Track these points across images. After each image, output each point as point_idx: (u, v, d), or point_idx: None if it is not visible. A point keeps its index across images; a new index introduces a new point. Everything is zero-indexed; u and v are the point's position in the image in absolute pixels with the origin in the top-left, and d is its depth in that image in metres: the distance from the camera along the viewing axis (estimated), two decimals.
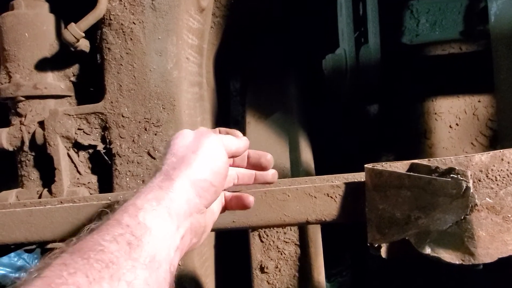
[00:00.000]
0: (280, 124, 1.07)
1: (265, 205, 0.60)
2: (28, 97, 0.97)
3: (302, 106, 1.13)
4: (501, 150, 0.55)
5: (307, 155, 1.01)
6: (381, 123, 1.56)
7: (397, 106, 1.60)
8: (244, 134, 1.13)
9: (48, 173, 0.98)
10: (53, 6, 1.05)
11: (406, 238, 0.52)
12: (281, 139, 1.05)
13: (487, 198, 0.47)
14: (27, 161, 0.99)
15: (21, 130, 0.98)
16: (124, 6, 0.93)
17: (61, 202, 0.67)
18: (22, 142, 0.98)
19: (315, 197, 0.59)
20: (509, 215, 0.47)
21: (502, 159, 0.54)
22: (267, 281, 0.94)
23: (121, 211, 0.44)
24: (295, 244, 0.94)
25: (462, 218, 0.47)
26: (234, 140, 0.57)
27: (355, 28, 1.03)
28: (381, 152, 1.61)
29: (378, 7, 1.18)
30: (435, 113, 1.66)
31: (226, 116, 1.58)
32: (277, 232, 0.95)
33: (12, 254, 2.22)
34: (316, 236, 0.92)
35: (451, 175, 0.49)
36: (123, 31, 0.93)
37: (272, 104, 1.13)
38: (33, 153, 0.98)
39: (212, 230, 0.59)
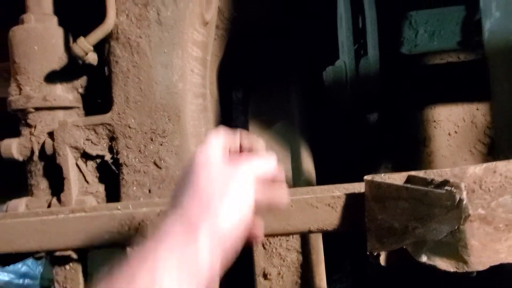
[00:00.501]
0: (282, 134, 1.10)
1: (269, 215, 0.62)
2: (37, 109, 1.00)
3: (303, 114, 1.16)
4: (494, 163, 0.57)
5: (308, 164, 1.04)
6: (381, 131, 1.59)
7: (396, 114, 1.62)
8: None
9: (57, 182, 1.01)
10: (61, 19, 1.08)
11: (404, 247, 0.55)
12: (283, 149, 1.07)
13: (479, 209, 0.50)
14: (36, 171, 1.02)
15: (31, 141, 1.01)
16: (131, 20, 0.96)
17: (72, 212, 0.70)
18: (32, 152, 1.01)
19: (317, 207, 0.61)
20: (500, 225, 0.50)
21: (495, 171, 0.57)
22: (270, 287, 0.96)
23: (138, 260, 0.40)
24: (297, 251, 0.96)
25: (456, 228, 0.50)
26: (264, 165, 0.52)
27: (355, 40, 1.06)
28: (381, 159, 1.63)
29: (377, 19, 1.22)
30: (434, 121, 1.68)
31: (229, 125, 1.61)
32: (279, 239, 0.97)
33: None
34: (317, 243, 0.95)
35: (446, 187, 0.51)
36: (130, 45, 0.96)
37: (274, 113, 1.16)
38: (42, 163, 1.01)
39: None
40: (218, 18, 1.19)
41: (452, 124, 1.68)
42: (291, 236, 0.97)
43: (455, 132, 1.69)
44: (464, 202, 0.50)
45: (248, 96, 1.37)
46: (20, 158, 1.02)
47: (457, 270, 0.50)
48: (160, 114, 0.96)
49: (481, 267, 0.49)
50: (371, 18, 1.02)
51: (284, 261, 0.97)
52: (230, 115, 1.70)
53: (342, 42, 1.06)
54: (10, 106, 1.02)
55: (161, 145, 0.96)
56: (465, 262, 0.49)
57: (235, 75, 1.50)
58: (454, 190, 0.50)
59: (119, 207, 0.70)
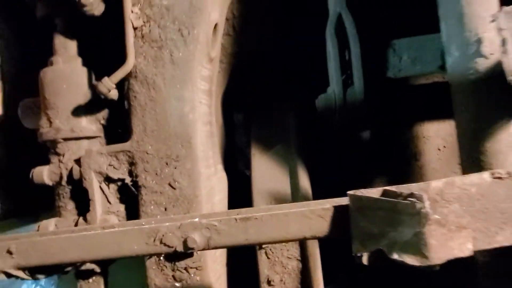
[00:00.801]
0: (281, 155, 1.24)
1: (271, 226, 0.75)
2: (66, 139, 1.14)
3: (300, 137, 1.30)
4: (452, 178, 0.71)
5: (305, 182, 1.17)
6: (374, 148, 1.73)
7: (388, 132, 1.76)
8: (250, 165, 1.29)
9: (82, 204, 1.14)
10: (85, 60, 1.24)
11: (381, 248, 0.67)
12: (282, 169, 1.21)
13: (435, 215, 0.63)
14: (64, 194, 1.15)
15: (59, 167, 1.14)
16: (148, 61, 1.12)
17: (103, 228, 0.83)
18: (61, 178, 1.14)
19: (310, 218, 0.74)
20: (452, 227, 0.63)
21: (454, 185, 0.70)
22: None
23: None
24: (297, 259, 1.09)
25: (418, 231, 0.63)
26: None
27: (342, 71, 1.21)
28: (377, 173, 1.76)
29: (365, 48, 1.37)
30: (424, 137, 1.81)
31: (232, 146, 1.74)
32: (281, 249, 1.10)
33: (30, 281, 2.34)
34: (315, 251, 1.07)
35: (411, 199, 0.64)
36: (147, 82, 1.11)
37: (274, 137, 1.30)
38: (69, 187, 1.15)
39: (227, 246, 0.75)
40: (222, 53, 1.35)
41: (440, 139, 1.81)
42: (291, 246, 1.09)
43: (444, 146, 1.82)
44: (423, 210, 0.63)
45: (249, 119, 1.52)
46: (50, 183, 1.15)
47: (421, 264, 0.62)
48: (174, 141, 1.10)
49: (439, 261, 0.62)
50: (355, 53, 1.18)
51: (285, 268, 1.09)
52: (233, 137, 1.84)
53: (331, 73, 1.22)
54: (41, 137, 1.16)
55: (175, 168, 1.09)
56: (426, 258, 0.62)
57: (237, 101, 1.64)
58: (416, 201, 0.63)
59: (143, 223, 0.82)
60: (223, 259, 1.20)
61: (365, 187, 0.74)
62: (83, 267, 1.08)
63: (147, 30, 1.12)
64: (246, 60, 1.38)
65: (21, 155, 1.45)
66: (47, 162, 1.18)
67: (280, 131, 1.31)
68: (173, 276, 1.06)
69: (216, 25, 1.21)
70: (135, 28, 1.11)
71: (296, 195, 1.14)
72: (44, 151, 1.22)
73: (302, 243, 1.08)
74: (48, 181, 1.14)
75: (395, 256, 0.65)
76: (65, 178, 1.14)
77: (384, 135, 1.74)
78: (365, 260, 0.70)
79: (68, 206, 1.15)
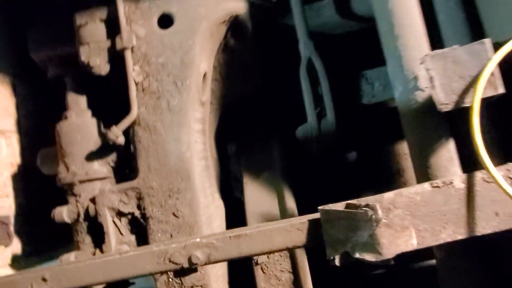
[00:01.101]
0: (269, 181, 1.41)
1: (259, 240, 0.92)
2: (81, 181, 1.32)
3: (285, 164, 1.48)
4: (401, 189, 0.89)
5: (291, 203, 1.34)
6: (360, 167, 1.90)
7: (372, 152, 1.94)
8: (243, 192, 1.46)
9: (98, 237, 1.30)
10: (93, 113, 1.44)
11: (347, 250, 0.84)
12: (271, 193, 1.38)
13: (384, 220, 0.80)
14: (82, 229, 1.32)
15: (77, 206, 1.31)
16: (149, 110, 1.31)
17: (120, 254, 0.99)
18: (78, 215, 1.31)
19: (290, 231, 0.91)
20: (398, 228, 0.80)
21: (402, 195, 0.88)
22: None
23: None
24: (289, 271, 1.24)
25: (372, 233, 0.79)
26: None
27: (316, 105, 1.41)
28: (364, 191, 1.93)
29: (340, 80, 1.57)
30: (405, 154, 1.99)
31: (227, 176, 1.92)
32: (274, 264, 1.25)
33: None
34: (303, 263, 1.23)
35: (365, 208, 0.82)
36: (149, 128, 1.30)
37: (262, 166, 1.48)
38: (86, 223, 1.31)
39: (225, 260, 0.91)
40: (212, 96, 1.55)
41: None
42: (283, 260, 1.25)
43: None
44: (374, 216, 0.80)
45: (241, 150, 1.70)
46: (69, 221, 1.32)
47: (376, 260, 0.78)
48: (174, 176, 1.27)
49: (390, 256, 0.78)
50: (326, 89, 1.38)
51: (279, 280, 1.24)
52: (228, 166, 2.01)
53: (307, 107, 1.41)
54: (60, 181, 1.34)
55: (177, 199, 1.26)
56: (380, 254, 0.78)
57: (228, 135, 1.83)
58: (369, 210, 0.80)
59: (153, 247, 0.99)
60: (224, 277, 1.35)
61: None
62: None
63: (147, 84, 1.32)
64: (233, 101, 1.58)
65: (39, 199, 1.62)
66: (63, 203, 1.35)
67: (266, 161, 1.49)
68: None
69: (205, 74, 1.41)
70: (136, 83, 1.32)
71: (284, 215, 1.30)
72: (61, 194, 1.39)
73: (292, 257, 1.24)
74: (67, 219, 1.30)
75: (357, 255, 0.82)
76: (82, 215, 1.31)
77: (369, 155, 1.92)
78: (337, 261, 0.87)
79: (86, 240, 1.31)
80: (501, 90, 0.88)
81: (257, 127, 1.59)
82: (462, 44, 0.96)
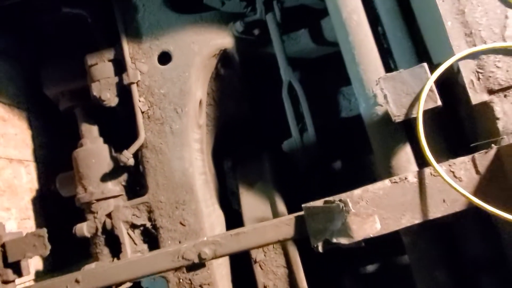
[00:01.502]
0: (262, 191, 1.61)
1: (256, 235, 1.12)
2: (98, 200, 1.51)
3: (275, 175, 1.69)
4: (367, 186, 1.10)
5: (282, 208, 1.54)
6: (343, 174, 2.10)
7: (354, 160, 2.15)
8: (239, 202, 1.66)
9: (115, 248, 1.48)
10: (105, 139, 1.64)
11: (327, 237, 1.05)
12: (264, 200, 1.58)
13: (352, 210, 1.01)
14: (100, 242, 1.50)
15: (95, 222, 1.50)
16: (154, 134, 1.52)
17: (141, 256, 1.18)
18: (96, 230, 1.49)
19: (280, 226, 1.12)
20: (364, 216, 1.01)
21: (368, 190, 1.10)
22: None
23: None
24: (284, 266, 1.43)
25: (344, 221, 1.00)
26: None
27: (298, 122, 1.63)
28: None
29: (320, 97, 1.79)
30: None
31: (225, 190, 2.12)
32: (271, 261, 1.44)
33: None
34: (296, 259, 1.42)
35: (338, 202, 1.03)
36: (155, 149, 1.51)
37: (255, 178, 1.68)
38: (104, 236, 1.50)
39: (228, 254, 1.11)
40: (207, 119, 1.77)
41: None
42: (278, 257, 1.44)
43: None
44: (345, 208, 1.00)
45: (236, 167, 1.90)
46: (88, 235, 1.50)
47: (349, 242, 0.99)
48: (179, 190, 1.47)
49: (360, 238, 0.99)
50: (305, 108, 1.61)
51: (276, 275, 1.44)
52: (224, 180, 2.21)
53: (290, 124, 1.64)
54: (78, 201, 1.53)
55: (183, 210, 1.46)
56: (352, 237, 0.99)
57: (224, 152, 2.04)
58: (342, 203, 1.02)
59: (168, 248, 1.18)
60: (228, 276, 1.54)
61: None
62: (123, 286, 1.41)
63: (152, 112, 1.53)
64: (226, 122, 1.80)
65: (55, 220, 1.79)
66: (77, 223, 1.53)
67: (259, 173, 1.70)
68: None
69: (200, 100, 1.63)
70: (142, 112, 1.53)
71: (277, 218, 1.50)
72: (74, 215, 1.58)
73: (286, 253, 1.44)
74: (87, 233, 1.49)
75: (335, 240, 1.02)
76: (100, 229, 1.49)
77: (350, 163, 2.13)
78: (320, 248, 1.07)
79: (104, 251, 1.49)
80: (438, 102, 1.12)
81: (249, 144, 1.81)
82: (409, 67, 1.20)
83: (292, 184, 1.69)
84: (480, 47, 1.15)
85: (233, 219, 1.73)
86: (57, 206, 1.82)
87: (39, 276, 1.64)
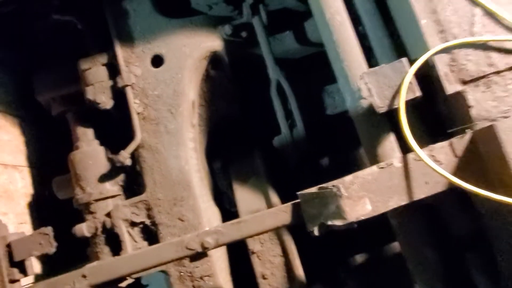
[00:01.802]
0: (255, 185, 1.69)
1: (254, 223, 1.19)
2: (96, 200, 1.55)
3: (267, 170, 1.76)
4: (357, 172, 1.19)
5: (275, 199, 1.62)
6: (332, 169, 2.19)
7: (343, 153, 2.23)
8: (234, 197, 1.72)
9: (115, 246, 1.52)
10: (101, 141, 1.68)
11: (322, 221, 1.13)
12: (258, 193, 1.65)
13: (345, 193, 1.10)
14: (100, 241, 1.53)
15: (94, 222, 1.53)
16: (150, 134, 1.57)
17: (146, 248, 1.23)
18: (96, 229, 1.53)
19: (278, 213, 1.19)
20: (355, 198, 1.10)
21: (358, 176, 1.19)
22: (269, 284, 1.48)
23: None
24: (280, 255, 1.51)
25: (337, 204, 1.09)
26: None
27: (287, 118, 1.72)
28: None
29: (306, 96, 1.88)
30: None
31: (217, 186, 2.17)
32: (268, 251, 1.51)
33: None
34: (291, 247, 1.50)
35: (331, 188, 1.11)
36: (151, 149, 1.56)
37: (248, 174, 1.76)
38: (104, 235, 1.53)
39: (230, 242, 1.18)
40: (200, 119, 1.83)
41: None
42: (274, 247, 1.51)
43: None
44: (337, 192, 1.09)
45: (227, 165, 1.97)
46: (89, 235, 1.53)
47: (343, 223, 1.07)
48: (177, 187, 1.53)
49: (353, 219, 1.07)
50: (293, 104, 1.70)
51: (273, 264, 1.51)
52: (215, 180, 2.26)
53: (280, 120, 1.72)
54: (77, 202, 1.56)
55: (181, 206, 1.51)
56: (345, 219, 1.07)
57: (216, 153, 2.10)
58: (334, 188, 1.10)
59: (172, 240, 1.23)
60: (227, 269, 1.59)
61: None
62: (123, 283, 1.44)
63: (147, 113, 1.59)
64: (218, 121, 1.87)
65: (51, 224, 1.81)
66: (73, 226, 1.55)
67: (251, 168, 1.77)
68: (192, 286, 1.44)
69: (193, 101, 1.70)
70: (138, 113, 1.58)
71: None
72: (70, 217, 1.60)
73: (282, 242, 1.51)
74: (87, 233, 1.52)
75: (329, 223, 1.10)
76: (99, 229, 1.53)
77: (337, 157, 2.22)
78: (316, 232, 1.15)
79: (105, 250, 1.52)
80: (418, 93, 1.22)
81: (241, 142, 1.88)
82: (389, 62, 1.30)
83: (284, 179, 1.77)
84: (452, 42, 1.26)
85: (225, 219, 1.79)
86: (52, 210, 1.84)
87: (37, 280, 1.66)
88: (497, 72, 1.24)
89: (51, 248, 1.25)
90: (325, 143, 2.05)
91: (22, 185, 1.76)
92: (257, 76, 1.83)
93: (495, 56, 1.25)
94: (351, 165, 2.19)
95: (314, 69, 2.16)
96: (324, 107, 2.29)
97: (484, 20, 1.28)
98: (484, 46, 1.26)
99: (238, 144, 1.91)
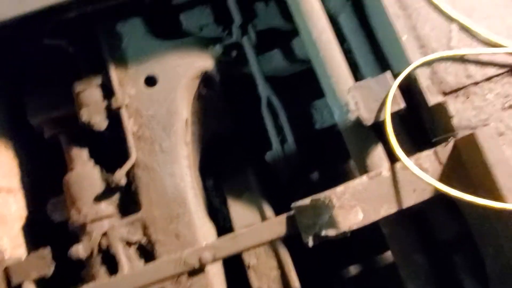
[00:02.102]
0: (249, 200, 1.72)
1: (252, 236, 1.22)
2: (92, 221, 1.55)
3: (260, 185, 1.80)
4: (348, 182, 1.24)
5: (270, 214, 1.65)
6: (323, 183, 2.23)
7: (331, 166, 2.28)
8: (228, 213, 1.74)
9: (111, 267, 1.52)
10: (95, 161, 1.70)
11: (316, 231, 1.16)
12: (252, 208, 1.68)
13: (337, 203, 1.14)
14: (96, 262, 1.53)
15: (91, 243, 1.54)
16: (145, 153, 1.60)
17: (145, 265, 1.24)
18: (92, 250, 1.53)
19: (273, 225, 1.22)
20: (347, 208, 1.14)
21: (349, 186, 1.23)
22: None
23: None
24: (276, 268, 1.53)
25: (330, 214, 1.12)
26: None
27: (278, 134, 1.77)
28: None
29: (295, 111, 1.94)
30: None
31: (210, 203, 2.19)
32: (263, 264, 1.53)
33: None
34: (286, 260, 1.52)
35: (322, 199, 1.15)
36: (147, 168, 1.59)
37: (242, 189, 1.79)
38: (100, 255, 1.53)
39: (227, 256, 1.20)
40: (193, 137, 1.87)
41: None
42: (269, 260, 1.54)
43: None
44: (329, 202, 1.13)
45: (220, 182, 2.00)
46: (85, 257, 1.53)
47: (337, 233, 1.11)
48: (173, 204, 1.55)
49: (346, 229, 1.11)
50: (284, 120, 1.75)
51: (269, 277, 1.52)
52: (208, 197, 2.28)
53: (271, 136, 1.77)
54: (73, 224, 1.56)
55: (177, 223, 1.53)
56: (339, 228, 1.11)
57: (209, 170, 2.13)
58: (326, 199, 1.14)
59: (171, 256, 1.24)
60: (224, 285, 1.60)
61: None
62: None
63: (141, 133, 1.62)
64: (210, 139, 1.91)
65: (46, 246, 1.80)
66: (68, 248, 1.55)
67: (244, 184, 1.80)
68: None
69: (186, 119, 1.74)
70: (133, 133, 1.61)
71: None
72: (66, 239, 1.60)
73: (277, 256, 1.53)
74: (83, 255, 1.52)
75: (324, 233, 1.14)
76: (96, 249, 1.53)
77: (327, 170, 2.27)
78: (310, 243, 1.18)
79: (101, 271, 1.52)
80: (402, 105, 1.28)
81: (234, 158, 1.92)
82: (374, 76, 1.37)
83: (277, 193, 1.80)
84: (431, 56, 1.34)
85: (220, 235, 1.81)
86: (47, 232, 1.83)
87: None
88: (475, 83, 1.31)
89: (48, 270, 1.25)
90: (315, 157, 2.11)
91: (16, 208, 1.76)
92: (248, 93, 1.89)
93: (472, 68, 1.33)
94: (341, 177, 2.25)
95: (301, 85, 2.23)
96: (313, 122, 2.36)
97: (460, 35, 1.36)
98: (461, 59, 1.34)
99: (231, 160, 1.94)
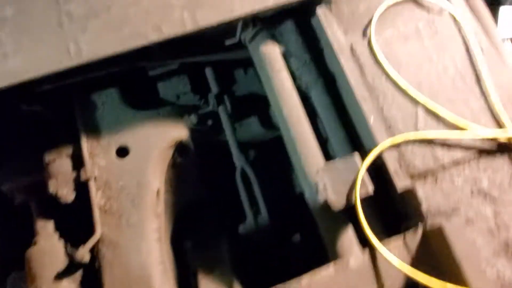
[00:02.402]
0: (220, 275, 1.64)
1: None
2: None
3: (233, 260, 1.73)
4: (314, 272, 1.18)
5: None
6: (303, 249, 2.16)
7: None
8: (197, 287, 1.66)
9: None
10: (62, 233, 1.63)
11: None
12: (223, 283, 1.61)
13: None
14: None
15: None
16: (111, 228, 1.54)
17: None
18: None
19: None
20: None
21: (314, 279, 1.18)
22: None
23: None
24: None
25: None
26: None
27: (252, 205, 1.73)
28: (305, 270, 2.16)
29: (271, 186, 1.91)
30: None
31: (185, 271, 2.09)
32: None
33: None
34: None
35: None
36: (112, 244, 1.52)
37: (213, 262, 1.72)
38: None
39: None
40: (165, 206, 1.82)
41: None
42: None
43: None
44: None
45: (194, 249, 1.92)
46: None
47: None
48: (137, 282, 1.47)
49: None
50: (257, 192, 1.72)
51: None
52: (186, 264, 2.19)
53: (245, 208, 1.73)
54: None
55: None
56: None
57: (185, 235, 2.06)
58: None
59: None
60: None
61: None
62: None
63: (109, 206, 1.57)
64: (184, 207, 1.86)
65: None
66: None
67: (217, 256, 1.73)
68: None
69: (158, 190, 1.70)
70: (99, 207, 1.56)
71: None
72: None
73: None
74: None
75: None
76: None
77: (305, 238, 2.21)
78: None
79: None
80: (370, 190, 1.26)
81: (207, 227, 1.86)
82: (346, 153, 1.36)
83: (251, 265, 1.73)
84: (398, 137, 1.34)
85: None
86: None
87: None
88: (443, 167, 1.30)
89: None
90: (293, 225, 2.06)
91: None
92: (224, 160, 1.87)
93: (439, 151, 1.33)
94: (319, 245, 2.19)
95: (280, 149, 2.23)
96: (292, 186, 2.33)
97: (427, 118, 1.38)
98: (428, 142, 1.35)
99: (205, 228, 1.89)
